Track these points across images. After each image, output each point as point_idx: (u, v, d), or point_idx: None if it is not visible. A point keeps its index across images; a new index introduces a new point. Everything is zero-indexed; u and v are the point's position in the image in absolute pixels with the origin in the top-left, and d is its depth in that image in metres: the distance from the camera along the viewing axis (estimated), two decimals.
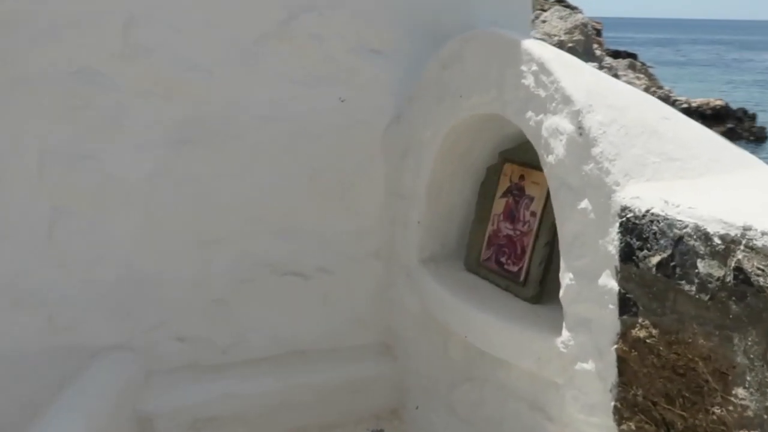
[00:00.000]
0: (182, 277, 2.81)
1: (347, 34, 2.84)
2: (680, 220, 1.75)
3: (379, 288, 3.07)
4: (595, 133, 1.97)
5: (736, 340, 1.66)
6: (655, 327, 1.84)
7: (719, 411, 1.71)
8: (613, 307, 1.94)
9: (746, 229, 1.62)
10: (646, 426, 1.89)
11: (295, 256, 2.98)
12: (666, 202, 1.82)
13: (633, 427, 1.93)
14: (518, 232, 2.49)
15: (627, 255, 1.89)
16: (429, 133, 2.65)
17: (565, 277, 2.08)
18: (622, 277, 1.92)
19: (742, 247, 1.63)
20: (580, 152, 1.99)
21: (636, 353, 1.89)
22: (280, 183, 2.90)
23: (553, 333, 2.18)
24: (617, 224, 1.92)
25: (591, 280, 2.00)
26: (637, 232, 1.87)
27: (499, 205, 2.60)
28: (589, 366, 2.04)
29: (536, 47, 2.13)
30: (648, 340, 1.85)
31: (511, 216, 2.54)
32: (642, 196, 1.89)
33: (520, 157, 2.53)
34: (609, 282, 1.95)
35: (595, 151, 1.96)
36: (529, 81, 2.15)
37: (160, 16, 2.63)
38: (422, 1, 2.90)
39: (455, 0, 2.90)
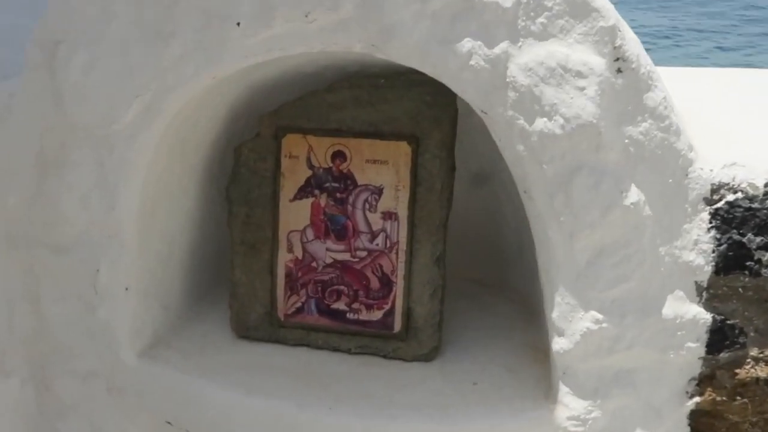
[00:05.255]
0: None
1: None
2: None
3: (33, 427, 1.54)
4: (645, 66, 1.07)
5: None
6: None
7: None
8: (694, 345, 1.19)
9: None
10: None
11: None
12: None
13: None
14: (365, 254, 1.41)
15: (734, 261, 1.14)
16: (132, 113, 1.24)
17: (579, 321, 1.20)
18: (714, 297, 1.17)
19: None
20: (624, 104, 1.08)
21: (744, 401, 1.21)
22: None
23: (536, 405, 1.30)
24: (705, 215, 1.13)
25: (643, 314, 1.19)
26: (756, 222, 1.12)
27: (294, 213, 1.42)
28: None
29: None
30: None
31: (335, 228, 1.42)
32: (740, 160, 1.13)
33: (316, 118, 1.39)
34: (685, 309, 1.18)
35: (653, 97, 1.08)
36: None
37: None
38: None
39: None
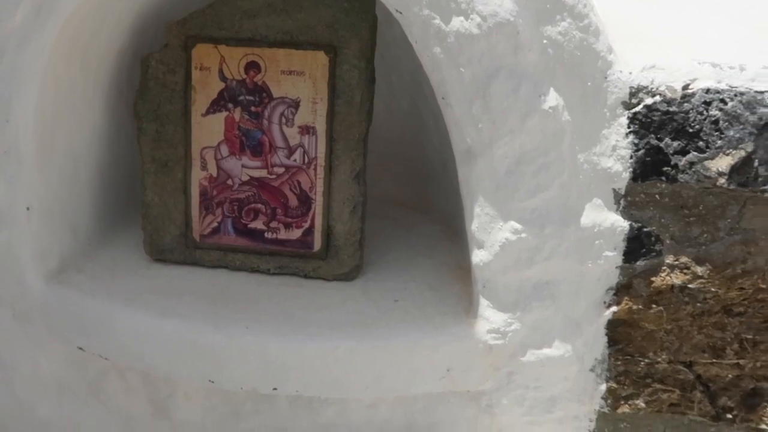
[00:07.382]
0: None
1: None
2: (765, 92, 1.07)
3: None
4: None
5: None
6: (701, 263, 1.18)
7: None
8: (612, 254, 1.19)
9: None
10: (667, 395, 1.30)
11: None
12: (715, 66, 1.09)
13: (641, 404, 1.30)
14: (282, 170, 1.36)
15: (651, 167, 1.13)
16: (22, 13, 1.14)
17: (498, 231, 1.18)
18: (632, 204, 1.16)
19: None
20: (542, 1, 1.04)
21: (660, 308, 1.22)
22: None
23: (456, 321, 1.29)
24: (623, 120, 1.11)
25: (563, 224, 1.17)
26: (673, 126, 1.10)
27: (207, 129, 1.35)
28: (553, 350, 1.27)
29: None
30: (691, 285, 1.19)
31: (250, 144, 1.35)
32: (659, 63, 1.10)
33: (228, 27, 1.31)
34: (603, 217, 1.17)
35: None
36: None
37: None
38: None
39: None
